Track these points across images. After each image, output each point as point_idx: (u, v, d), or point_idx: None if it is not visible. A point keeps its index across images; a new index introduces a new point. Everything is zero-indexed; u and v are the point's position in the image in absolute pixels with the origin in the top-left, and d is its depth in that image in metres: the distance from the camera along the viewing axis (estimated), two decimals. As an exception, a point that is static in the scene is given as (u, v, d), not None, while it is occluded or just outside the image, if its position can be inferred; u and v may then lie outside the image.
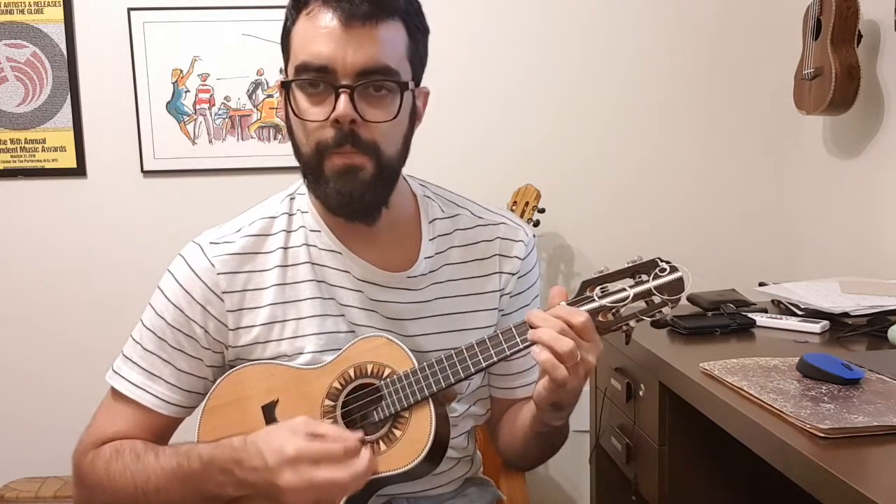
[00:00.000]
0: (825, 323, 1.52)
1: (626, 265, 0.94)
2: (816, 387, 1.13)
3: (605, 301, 0.92)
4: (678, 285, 0.91)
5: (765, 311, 1.65)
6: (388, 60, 0.94)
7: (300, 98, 0.96)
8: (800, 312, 1.60)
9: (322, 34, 0.93)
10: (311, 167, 0.97)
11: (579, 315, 0.89)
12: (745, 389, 1.14)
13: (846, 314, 1.52)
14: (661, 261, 0.93)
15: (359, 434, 0.93)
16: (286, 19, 0.99)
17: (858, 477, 0.86)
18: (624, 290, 0.92)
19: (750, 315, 1.59)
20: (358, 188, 0.96)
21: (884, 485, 0.86)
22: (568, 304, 0.92)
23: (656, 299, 0.92)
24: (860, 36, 1.82)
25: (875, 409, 1.03)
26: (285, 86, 0.97)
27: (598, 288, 0.93)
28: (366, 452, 0.91)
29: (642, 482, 1.56)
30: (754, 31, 2.23)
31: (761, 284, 1.78)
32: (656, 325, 0.94)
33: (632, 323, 0.93)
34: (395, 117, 0.95)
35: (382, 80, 0.94)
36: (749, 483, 1.45)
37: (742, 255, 2.28)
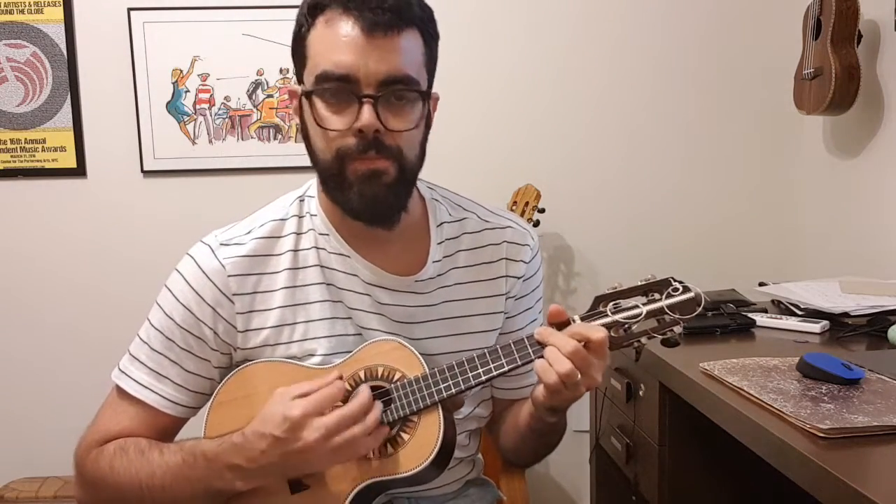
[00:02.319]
0: (825, 323, 1.53)
1: (640, 283, 0.95)
2: (816, 387, 1.13)
3: (617, 317, 0.93)
4: (690, 305, 0.93)
5: (765, 311, 1.65)
6: (409, 70, 0.94)
7: (320, 106, 0.95)
8: (800, 312, 1.60)
9: (343, 42, 0.92)
10: (333, 173, 0.96)
11: (598, 331, 0.90)
12: (745, 389, 1.14)
13: (846, 314, 1.53)
14: (675, 280, 0.94)
15: (335, 375, 0.95)
16: (300, 25, 0.97)
17: (858, 477, 0.87)
18: (637, 307, 0.94)
19: (750, 315, 1.59)
20: (382, 192, 0.96)
21: (884, 485, 0.86)
22: (581, 318, 0.94)
23: (668, 318, 0.93)
24: (860, 36, 1.82)
25: (875, 409, 1.03)
26: (305, 94, 0.96)
27: (611, 304, 0.94)
28: (364, 387, 0.94)
29: (642, 482, 1.56)
30: (754, 31, 2.23)
31: (761, 284, 1.78)
32: (666, 343, 0.95)
33: (643, 340, 0.94)
34: (416, 126, 0.96)
35: (405, 89, 0.94)
36: (749, 483, 1.45)
37: (742, 255, 2.27)
